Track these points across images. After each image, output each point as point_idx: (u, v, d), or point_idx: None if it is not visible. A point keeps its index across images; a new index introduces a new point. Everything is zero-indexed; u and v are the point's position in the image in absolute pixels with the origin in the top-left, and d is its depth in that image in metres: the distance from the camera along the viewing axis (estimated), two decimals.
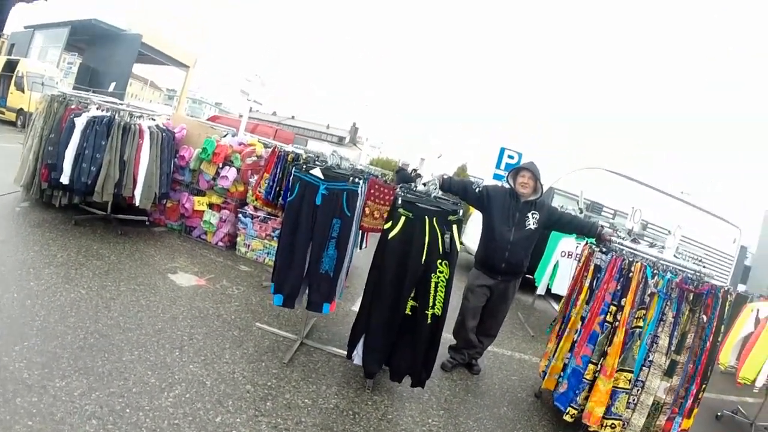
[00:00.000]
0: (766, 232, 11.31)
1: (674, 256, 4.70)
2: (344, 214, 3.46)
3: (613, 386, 3.44)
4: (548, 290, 6.45)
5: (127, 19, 22.73)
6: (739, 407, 5.80)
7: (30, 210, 5.68)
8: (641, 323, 3.46)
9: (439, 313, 3.31)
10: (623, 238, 4.24)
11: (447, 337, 4.41)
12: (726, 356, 5.30)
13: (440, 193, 3.63)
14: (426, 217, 3.28)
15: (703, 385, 3.80)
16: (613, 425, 3.45)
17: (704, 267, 3.80)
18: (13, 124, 15.32)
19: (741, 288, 10.56)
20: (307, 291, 3.66)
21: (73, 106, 5.56)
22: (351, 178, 3.54)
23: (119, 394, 2.77)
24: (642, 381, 3.49)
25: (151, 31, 22.59)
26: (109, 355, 3.14)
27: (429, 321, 3.30)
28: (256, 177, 6.05)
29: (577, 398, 3.54)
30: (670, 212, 9.17)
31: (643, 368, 3.49)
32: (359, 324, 3.49)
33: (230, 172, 6.11)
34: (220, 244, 6.33)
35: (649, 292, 3.45)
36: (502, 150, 9.30)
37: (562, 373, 3.78)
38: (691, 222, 9.87)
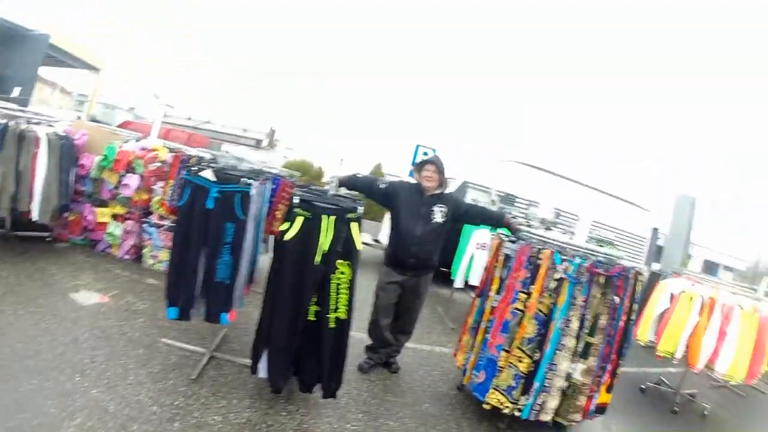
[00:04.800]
0: (676, 215, 12.54)
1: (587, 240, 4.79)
2: (237, 217, 3.27)
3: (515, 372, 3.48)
4: (466, 282, 6.47)
5: (36, 18, 21.19)
6: (662, 378, 5.97)
7: None
8: (544, 308, 3.48)
9: (344, 316, 3.16)
10: (536, 227, 4.26)
11: (363, 338, 4.32)
12: (644, 333, 5.48)
13: (341, 191, 3.52)
14: (324, 216, 3.12)
15: (620, 362, 3.87)
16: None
17: (612, 248, 3.85)
18: None
19: (656, 267, 11.59)
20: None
21: None
22: (243, 179, 3.34)
23: (19, 428, 2.60)
24: (556, 364, 3.51)
25: (60, 31, 21.14)
26: (5, 386, 2.93)
27: (333, 325, 3.14)
28: (160, 183, 5.74)
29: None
30: (583, 200, 9.48)
31: (557, 352, 3.49)
32: (261, 334, 3.30)
33: (132, 180, 5.77)
34: (127, 257, 5.98)
35: (557, 276, 3.44)
36: (417, 147, 9.39)
37: (477, 364, 3.74)
38: (604, 208, 10.46)
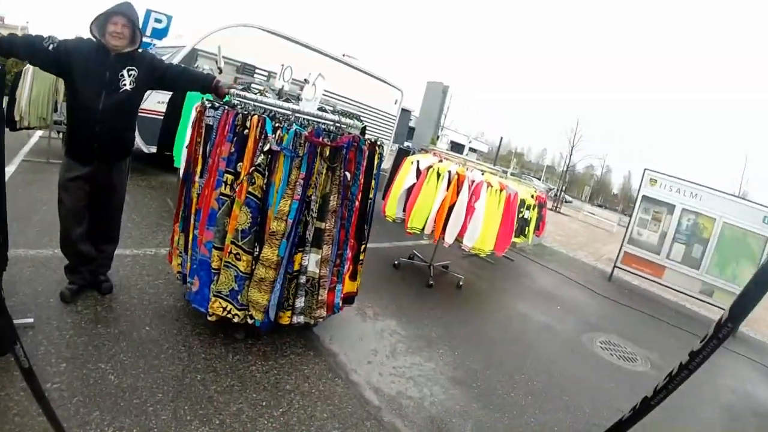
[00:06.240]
0: (426, 99, 13.79)
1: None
2: None
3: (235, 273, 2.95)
4: None
5: None
6: (416, 252, 6.11)
7: None
8: (257, 191, 2.90)
9: None
10: (272, 98, 3.64)
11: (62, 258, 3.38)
12: (392, 209, 5.43)
13: None
14: None
15: (361, 246, 3.55)
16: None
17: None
18: None
19: (408, 144, 12.44)
20: None
21: None
22: None
23: None
24: (283, 258, 3.01)
25: None
26: None
27: None
28: None
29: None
30: (333, 74, 8.78)
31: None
32: None
33: None
34: None
35: (267, 148, 2.82)
36: (148, 13, 8.07)
37: (191, 268, 3.11)
38: (356, 84, 10.23)
